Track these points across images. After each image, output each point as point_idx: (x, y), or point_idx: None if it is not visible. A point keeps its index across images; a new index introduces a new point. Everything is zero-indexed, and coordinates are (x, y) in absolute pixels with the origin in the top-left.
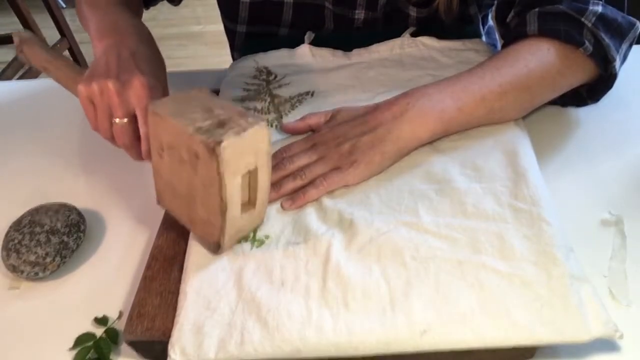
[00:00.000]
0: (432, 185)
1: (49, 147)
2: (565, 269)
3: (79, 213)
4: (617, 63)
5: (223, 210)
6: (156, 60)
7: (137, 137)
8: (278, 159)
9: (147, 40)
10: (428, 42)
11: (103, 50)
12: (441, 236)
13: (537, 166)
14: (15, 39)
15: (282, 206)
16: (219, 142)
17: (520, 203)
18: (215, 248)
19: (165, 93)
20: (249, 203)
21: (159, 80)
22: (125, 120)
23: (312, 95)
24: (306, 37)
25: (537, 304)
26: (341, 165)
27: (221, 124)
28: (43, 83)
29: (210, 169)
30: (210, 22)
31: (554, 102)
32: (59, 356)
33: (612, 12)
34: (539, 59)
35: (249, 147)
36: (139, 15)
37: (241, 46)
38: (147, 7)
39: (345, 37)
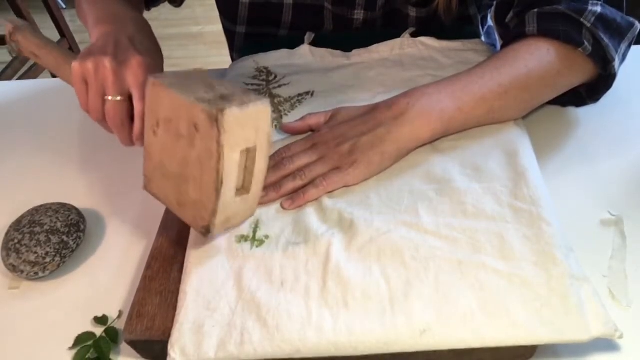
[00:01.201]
0: (432, 185)
1: (49, 147)
2: (565, 269)
3: (79, 213)
4: (617, 63)
5: (218, 187)
6: (155, 49)
7: (130, 118)
8: (278, 159)
9: (146, 31)
10: (428, 42)
11: (100, 35)
12: (441, 236)
13: (537, 166)
14: (8, 26)
15: (282, 206)
16: (222, 111)
17: (520, 203)
18: (205, 233)
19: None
20: (243, 188)
21: (157, 65)
22: (119, 98)
23: (312, 95)
24: (306, 37)
25: (537, 303)
26: (341, 166)
27: (224, 97)
28: (43, 83)
29: (210, 140)
30: (210, 23)
31: (554, 102)
32: (59, 356)
33: (611, 12)
34: (538, 59)
35: (251, 123)
36: (139, 12)
37: (240, 47)
38: (149, 8)
39: (345, 37)
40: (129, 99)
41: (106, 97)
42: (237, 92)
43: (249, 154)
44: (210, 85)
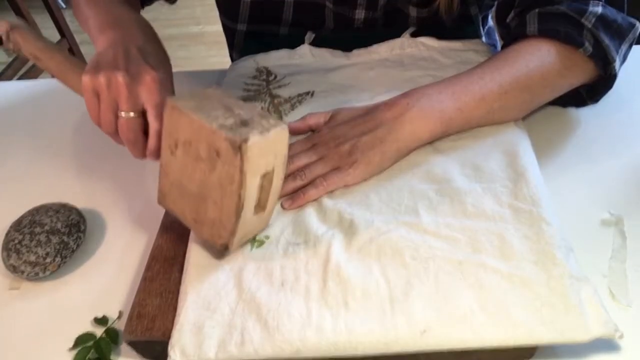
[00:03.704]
0: (432, 185)
1: (49, 147)
2: (565, 268)
3: (79, 213)
4: (617, 64)
5: (239, 210)
6: (162, 56)
7: (143, 133)
8: None
9: (152, 36)
10: (428, 42)
11: (108, 43)
12: (441, 236)
13: (537, 166)
14: (3, 24)
15: (282, 206)
16: (246, 140)
17: (520, 203)
18: (223, 250)
19: (172, 89)
20: (259, 206)
21: (168, 77)
22: (132, 114)
23: (312, 95)
24: (306, 37)
25: (537, 303)
26: (341, 166)
27: (244, 123)
28: (43, 83)
29: (232, 167)
30: (210, 23)
31: (554, 103)
32: (59, 356)
33: (612, 13)
34: (538, 59)
35: (270, 148)
36: (138, 12)
37: (241, 46)
38: (142, 7)
39: (346, 37)
40: (143, 114)
41: (119, 113)
42: (256, 116)
43: (266, 176)
44: (228, 107)
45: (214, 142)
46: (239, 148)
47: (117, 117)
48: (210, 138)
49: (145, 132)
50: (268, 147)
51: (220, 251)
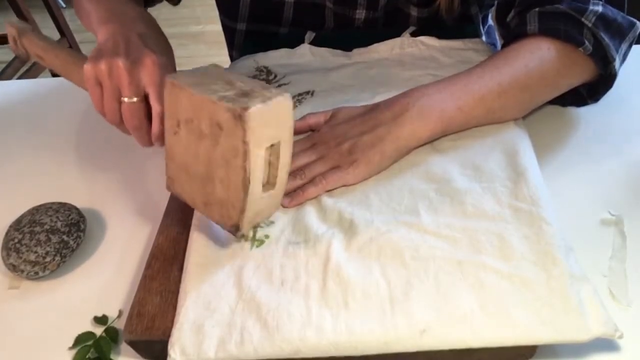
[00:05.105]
0: (432, 185)
1: (49, 147)
2: (565, 268)
3: (79, 212)
4: (617, 63)
5: (245, 185)
6: (164, 42)
7: (147, 118)
8: None
9: (154, 26)
10: (428, 41)
11: (109, 33)
12: (441, 236)
13: (537, 166)
14: (11, 29)
15: (281, 204)
16: (246, 109)
17: (520, 203)
18: (234, 232)
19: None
20: (269, 183)
21: (170, 63)
22: (135, 99)
23: (312, 95)
24: (306, 37)
25: (537, 303)
26: (341, 165)
27: (245, 94)
28: (43, 83)
29: (235, 138)
30: (210, 22)
31: (554, 102)
32: (58, 355)
33: (612, 12)
34: (538, 58)
35: (274, 118)
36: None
37: (240, 45)
38: (145, 8)
39: (346, 36)
40: (146, 99)
41: (122, 99)
42: (257, 87)
43: (273, 149)
44: (229, 81)
45: (215, 115)
46: (239, 117)
47: (120, 104)
48: (211, 111)
49: (150, 117)
50: (271, 117)
51: (233, 232)
